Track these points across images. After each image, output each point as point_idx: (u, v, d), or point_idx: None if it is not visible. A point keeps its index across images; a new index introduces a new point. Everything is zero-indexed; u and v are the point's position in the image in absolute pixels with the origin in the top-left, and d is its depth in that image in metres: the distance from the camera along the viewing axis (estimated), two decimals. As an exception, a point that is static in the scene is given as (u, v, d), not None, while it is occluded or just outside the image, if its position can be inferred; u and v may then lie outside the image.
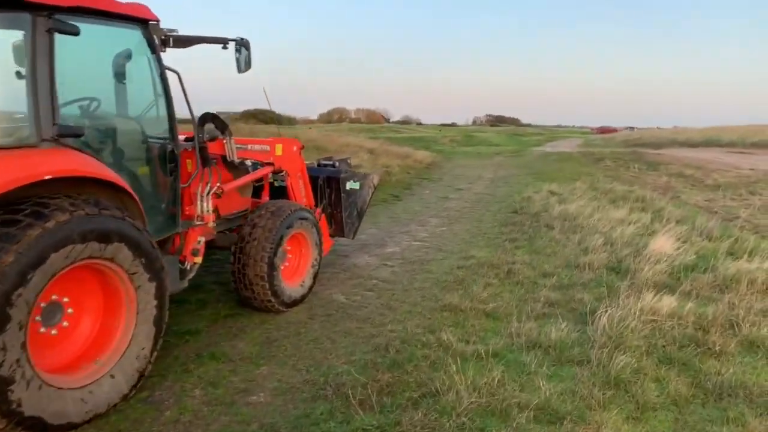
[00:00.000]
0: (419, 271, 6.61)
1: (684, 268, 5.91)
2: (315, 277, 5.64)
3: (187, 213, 4.44)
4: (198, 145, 4.36)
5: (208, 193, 4.44)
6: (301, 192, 6.12)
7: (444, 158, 25.07)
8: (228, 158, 4.89)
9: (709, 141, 33.62)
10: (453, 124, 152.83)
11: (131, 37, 3.91)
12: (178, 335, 4.35)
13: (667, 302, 4.62)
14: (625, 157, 22.19)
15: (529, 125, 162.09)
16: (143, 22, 3.90)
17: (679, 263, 5.96)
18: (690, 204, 11.78)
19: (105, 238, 3.08)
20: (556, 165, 19.49)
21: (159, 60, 4.03)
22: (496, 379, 3.56)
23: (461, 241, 8.24)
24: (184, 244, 4.43)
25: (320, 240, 5.72)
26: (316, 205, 6.41)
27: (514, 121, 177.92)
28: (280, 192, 5.94)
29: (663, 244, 6.12)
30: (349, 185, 6.78)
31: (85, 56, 3.80)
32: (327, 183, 6.67)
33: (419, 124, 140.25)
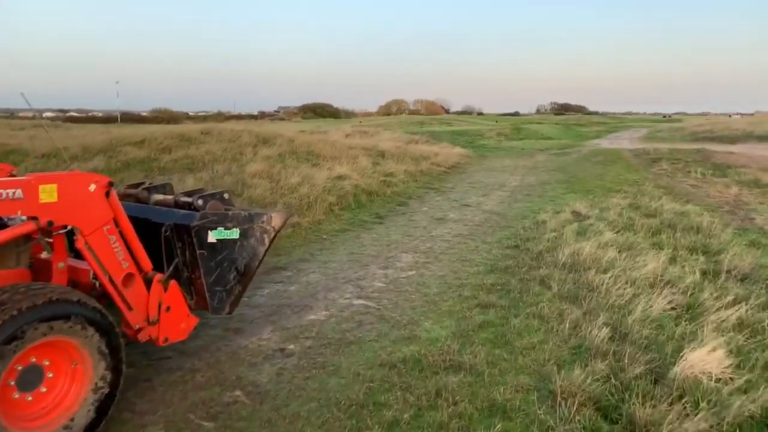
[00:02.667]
0: (320, 368, 4.30)
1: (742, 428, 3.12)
2: (101, 409, 3.43)
3: None
4: None
5: None
6: (116, 255, 3.86)
7: (476, 158, 22.29)
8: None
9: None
10: (516, 114, 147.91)
11: None
12: None
13: None
14: (688, 156, 18.59)
15: (596, 113, 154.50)
16: None
17: (733, 416, 3.16)
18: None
19: None
20: (599, 169, 16.30)
21: None
22: None
23: (420, 301, 5.82)
24: None
25: (113, 345, 3.50)
26: (162, 269, 4.21)
27: (580, 109, 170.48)
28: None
29: (705, 357, 3.46)
30: (215, 235, 4.46)
31: None
32: (177, 233, 4.40)
33: (480, 114, 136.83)
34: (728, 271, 5.85)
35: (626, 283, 5.37)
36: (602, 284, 5.37)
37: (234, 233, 4.57)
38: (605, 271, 5.78)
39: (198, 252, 4.28)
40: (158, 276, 4.06)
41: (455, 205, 11.35)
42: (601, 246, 6.81)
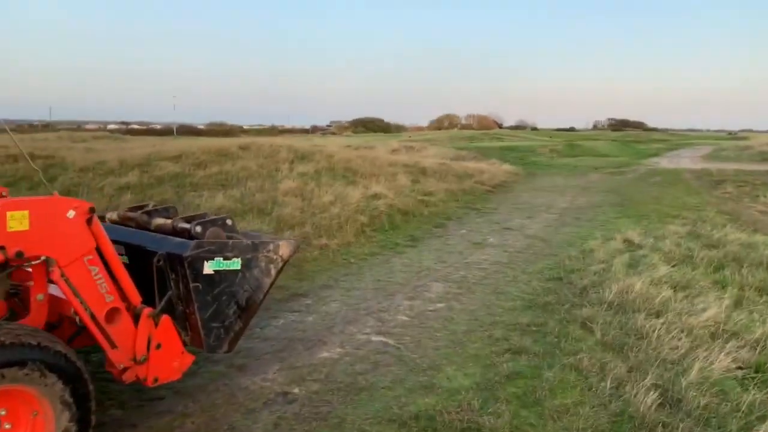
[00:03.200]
0: (321, 420, 3.85)
1: None
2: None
3: None
4: None
5: None
6: (98, 288, 3.49)
7: (525, 176, 21.44)
8: None
9: None
10: (571, 129, 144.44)
11: None
12: None
13: None
14: (756, 179, 17.16)
15: (655, 129, 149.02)
16: None
17: None
18: None
19: None
20: (656, 190, 15.18)
21: None
22: None
23: (445, 340, 5.26)
24: None
25: (80, 393, 3.13)
26: (154, 303, 3.84)
27: (639, 125, 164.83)
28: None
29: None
30: (213, 266, 4.04)
31: None
32: (170, 264, 4.00)
33: (534, 129, 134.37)
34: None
35: (682, 331, 4.63)
36: (653, 332, 4.65)
37: (235, 264, 4.15)
38: (657, 315, 5.05)
39: (192, 285, 3.87)
40: (147, 310, 3.66)
41: (496, 228, 10.68)
42: (654, 282, 6.05)
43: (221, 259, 4.06)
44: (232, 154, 13.47)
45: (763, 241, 8.59)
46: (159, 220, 4.83)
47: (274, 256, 4.56)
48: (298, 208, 9.58)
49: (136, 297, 3.67)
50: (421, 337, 5.42)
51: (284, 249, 4.65)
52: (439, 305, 6.35)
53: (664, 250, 7.80)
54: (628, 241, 8.63)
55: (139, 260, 3.81)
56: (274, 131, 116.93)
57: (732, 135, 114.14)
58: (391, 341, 5.34)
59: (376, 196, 11.10)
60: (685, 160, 32.37)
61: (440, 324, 5.74)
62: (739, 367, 4.10)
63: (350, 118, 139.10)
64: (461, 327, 5.61)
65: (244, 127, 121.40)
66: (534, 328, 5.32)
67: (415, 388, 4.30)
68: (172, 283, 3.95)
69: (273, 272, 4.54)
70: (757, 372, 4.07)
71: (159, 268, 3.91)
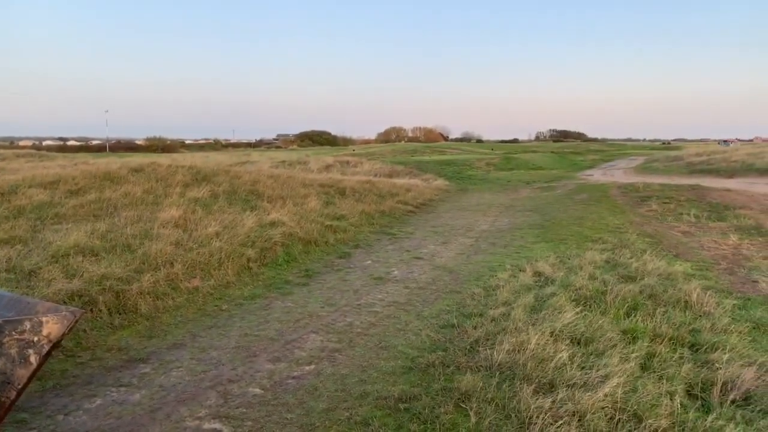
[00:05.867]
0: None
1: None
2: None
3: None
4: None
5: None
6: None
7: (455, 192, 20.67)
8: None
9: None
10: (515, 141, 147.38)
11: None
12: None
13: None
14: (681, 194, 16.83)
15: (595, 140, 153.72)
16: None
17: None
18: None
19: None
20: (581, 209, 14.50)
21: None
22: None
23: (294, 426, 4.14)
24: None
25: None
26: None
27: (579, 136, 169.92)
28: None
29: None
30: None
31: None
32: None
33: (479, 141, 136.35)
34: (724, 387, 4.15)
35: (573, 415, 3.66)
36: (538, 417, 3.67)
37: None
38: (548, 390, 4.07)
39: None
40: None
41: (405, 257, 9.66)
42: (555, 336, 5.11)
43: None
44: (119, 178, 12.00)
45: (683, 270, 7.89)
46: None
47: (34, 338, 3.39)
48: (173, 243, 8.27)
49: None
50: (267, 421, 4.29)
51: (52, 326, 3.47)
52: (307, 368, 5.24)
53: (575, 286, 6.93)
54: (538, 274, 7.76)
55: None
56: (217, 145, 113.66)
57: (665, 145, 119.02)
58: (226, 430, 4.19)
59: (272, 224, 9.90)
60: (618, 172, 32.56)
61: (297, 399, 4.62)
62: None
63: (298, 131, 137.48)
64: (321, 404, 4.50)
65: (186, 142, 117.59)
66: (403, 406, 4.26)
67: None
68: None
69: (33, 360, 3.35)
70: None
71: None
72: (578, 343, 5.03)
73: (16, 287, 6.42)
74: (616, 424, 3.58)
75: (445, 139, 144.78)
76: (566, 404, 3.79)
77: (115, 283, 6.73)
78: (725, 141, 72.66)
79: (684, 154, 40.10)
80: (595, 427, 3.53)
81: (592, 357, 4.68)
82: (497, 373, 4.57)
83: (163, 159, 16.39)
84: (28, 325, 3.33)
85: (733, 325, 5.65)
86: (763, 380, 4.33)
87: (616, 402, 3.77)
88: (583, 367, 4.42)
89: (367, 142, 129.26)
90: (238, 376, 5.09)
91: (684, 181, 22.24)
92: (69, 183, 11.14)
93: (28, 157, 40.91)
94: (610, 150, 74.64)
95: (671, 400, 3.85)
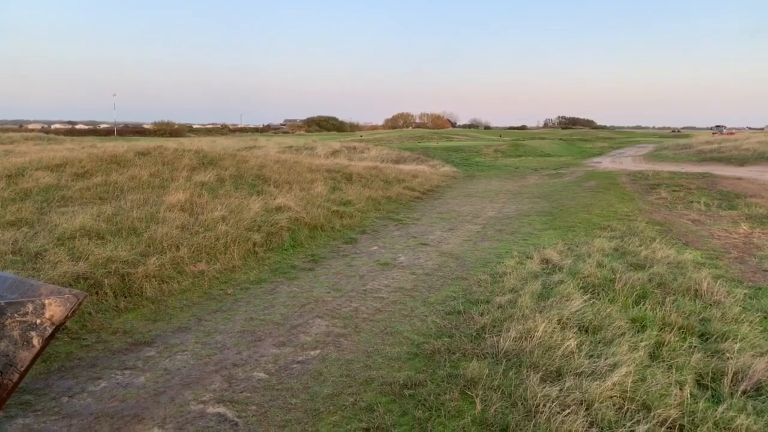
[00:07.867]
0: None
1: None
2: None
3: None
4: None
5: None
6: None
7: (462, 179, 20.55)
8: None
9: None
10: (523, 128, 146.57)
11: None
12: None
13: None
14: (691, 182, 16.66)
15: (603, 127, 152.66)
16: None
17: None
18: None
19: None
20: (589, 197, 14.38)
21: None
22: None
23: (300, 410, 4.15)
24: None
25: None
26: None
27: (588, 123, 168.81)
28: None
29: None
30: None
31: None
32: None
33: (487, 128, 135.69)
34: (735, 377, 4.09)
35: (581, 404, 3.62)
36: (545, 405, 3.62)
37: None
38: (556, 378, 4.03)
39: None
40: None
41: (411, 243, 9.61)
42: (562, 323, 5.06)
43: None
44: (126, 161, 11.98)
45: (693, 259, 7.80)
46: None
47: (36, 320, 3.37)
48: (179, 226, 8.25)
49: None
50: (271, 405, 4.27)
51: (54, 309, 3.45)
52: (312, 353, 5.22)
53: (583, 274, 6.86)
54: (546, 261, 7.69)
55: None
56: (224, 130, 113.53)
57: (675, 132, 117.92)
58: (230, 414, 4.17)
59: (279, 209, 9.86)
60: (627, 160, 32.28)
61: (302, 384, 4.60)
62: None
63: (306, 117, 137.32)
64: (326, 389, 4.48)
65: (194, 126, 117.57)
66: (408, 392, 4.23)
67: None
68: None
69: (36, 342, 3.34)
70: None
71: None
72: (586, 331, 4.97)
73: (22, 269, 6.42)
74: (625, 414, 3.53)
75: (453, 125, 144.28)
76: (574, 393, 3.75)
77: (121, 266, 6.72)
78: (718, 127, 71.31)
79: (694, 142, 39.62)
80: (603, 417, 3.48)
81: (600, 345, 4.63)
82: (504, 361, 4.53)
83: (170, 143, 16.36)
84: (30, 307, 3.32)
85: (744, 315, 5.57)
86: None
87: (625, 391, 3.72)
88: (591, 356, 4.38)
89: (374, 128, 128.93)
90: (242, 361, 5.07)
91: (694, 169, 22.00)
92: (76, 166, 11.13)
93: (36, 140, 41.04)
94: (618, 137, 74.05)
95: (681, 390, 3.80)
